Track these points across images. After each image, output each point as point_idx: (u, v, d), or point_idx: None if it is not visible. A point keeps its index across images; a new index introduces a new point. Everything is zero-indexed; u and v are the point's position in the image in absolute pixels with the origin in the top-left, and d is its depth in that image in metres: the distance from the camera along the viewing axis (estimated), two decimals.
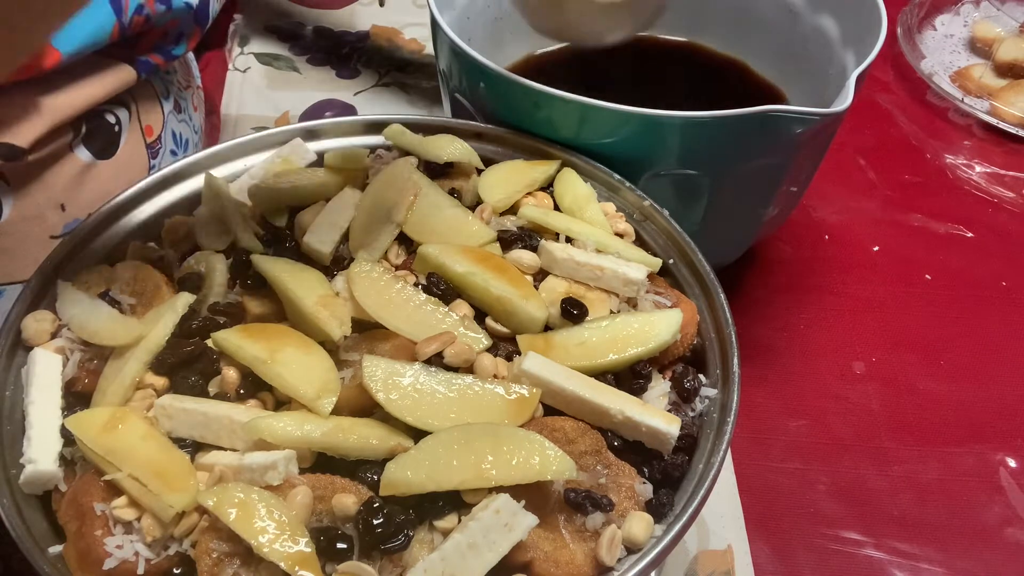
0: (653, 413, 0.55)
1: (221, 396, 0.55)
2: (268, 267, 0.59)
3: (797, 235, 0.97)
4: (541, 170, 0.70)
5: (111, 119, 0.78)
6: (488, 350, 0.57)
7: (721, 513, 0.73)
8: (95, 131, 0.76)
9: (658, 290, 0.62)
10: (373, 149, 0.72)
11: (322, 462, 0.52)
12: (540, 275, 0.63)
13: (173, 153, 0.87)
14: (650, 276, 0.63)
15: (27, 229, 0.74)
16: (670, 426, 0.54)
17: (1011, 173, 1.06)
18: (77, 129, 0.75)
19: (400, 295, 0.58)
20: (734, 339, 0.60)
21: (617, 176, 0.70)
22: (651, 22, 0.76)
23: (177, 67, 0.91)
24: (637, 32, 0.75)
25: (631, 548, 0.51)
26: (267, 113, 1.07)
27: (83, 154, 0.76)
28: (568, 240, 0.64)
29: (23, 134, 0.69)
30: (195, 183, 0.70)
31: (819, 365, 0.86)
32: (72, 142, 0.75)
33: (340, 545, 0.48)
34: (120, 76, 0.77)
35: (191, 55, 1.03)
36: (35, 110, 0.70)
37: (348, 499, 0.49)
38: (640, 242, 0.67)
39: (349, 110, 1.08)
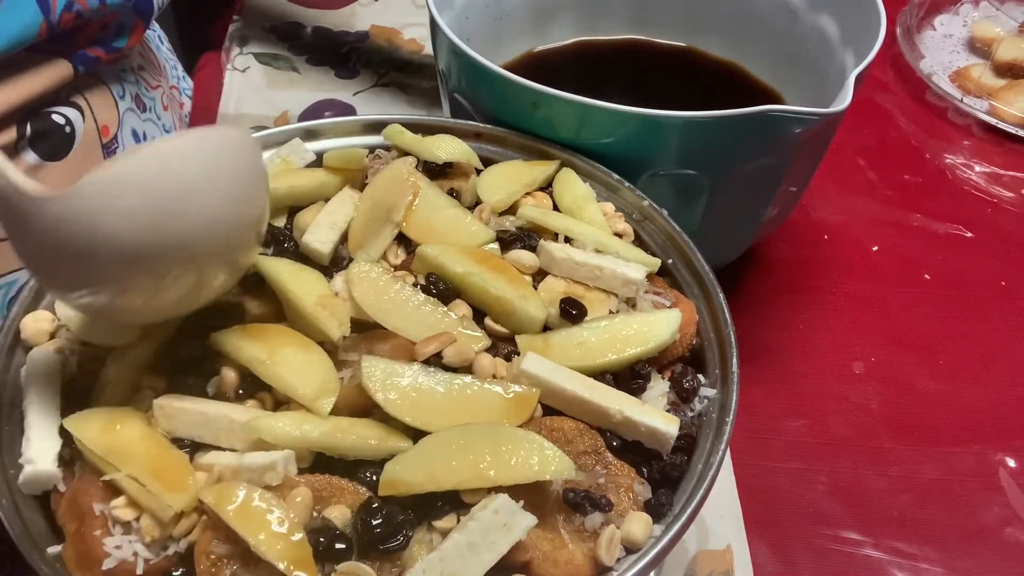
0: (652, 413, 0.55)
1: (220, 396, 0.55)
2: (267, 267, 0.59)
3: (797, 235, 0.97)
4: (540, 170, 0.70)
5: (60, 120, 0.76)
6: (487, 350, 0.57)
7: (720, 513, 0.73)
8: (43, 133, 0.75)
9: (657, 290, 0.62)
10: (372, 149, 0.72)
11: (321, 462, 0.52)
12: (539, 275, 0.63)
13: None
14: (649, 276, 0.63)
15: None
16: (669, 426, 0.54)
17: (1010, 173, 1.06)
18: (21, 131, 0.73)
19: (399, 295, 0.58)
20: (733, 339, 0.60)
21: (616, 176, 0.70)
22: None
23: (142, 64, 0.90)
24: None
25: (630, 548, 0.51)
26: (266, 113, 1.07)
27: (30, 156, 0.75)
28: (567, 240, 0.64)
29: None
30: None
31: (818, 365, 0.86)
32: (17, 144, 0.74)
33: (339, 545, 0.48)
34: (56, 71, 0.75)
35: (167, 54, 1.03)
36: None
37: (337, 510, 0.49)
38: (639, 242, 0.67)
39: (348, 110, 1.08)
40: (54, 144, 0.76)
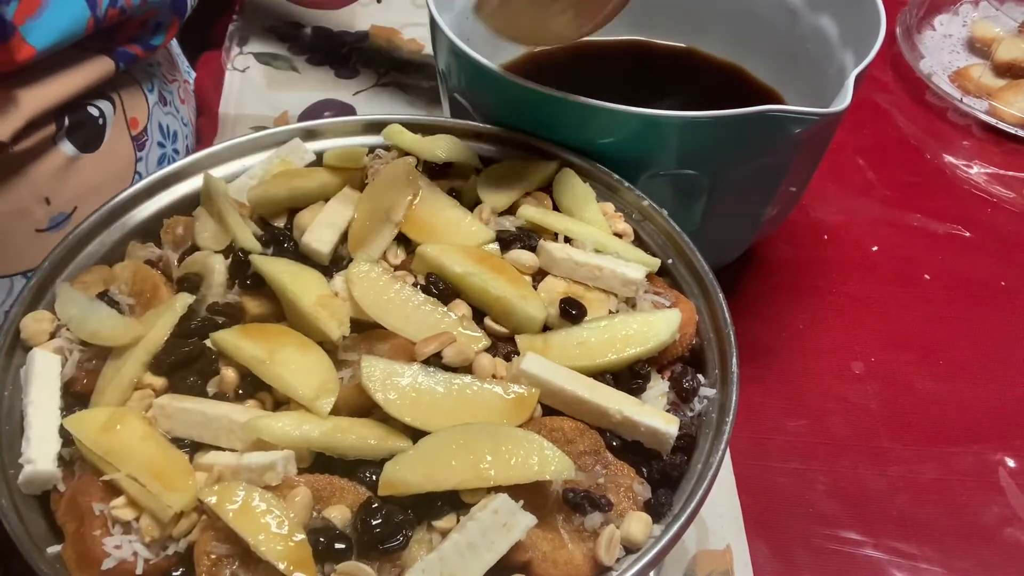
0: (652, 413, 0.55)
1: (220, 396, 0.55)
2: (267, 267, 0.59)
3: (796, 235, 0.97)
4: (540, 170, 0.70)
5: (94, 112, 0.78)
6: (487, 350, 0.57)
7: (720, 513, 0.73)
8: (79, 124, 0.77)
9: (657, 290, 0.62)
10: (372, 149, 0.72)
11: (321, 462, 0.52)
12: (539, 275, 0.63)
13: (160, 145, 0.87)
14: (649, 276, 0.63)
15: (11, 223, 0.74)
16: (669, 426, 0.54)
17: (1010, 173, 1.06)
18: (60, 123, 0.75)
19: (399, 295, 0.58)
20: (733, 339, 0.60)
21: (616, 176, 0.70)
22: (608, 18, 0.69)
23: (160, 60, 0.91)
24: (594, 29, 0.70)
25: (630, 548, 0.51)
26: (266, 113, 1.07)
27: (67, 147, 0.76)
28: (567, 240, 0.64)
29: (1, 127, 0.69)
30: (194, 183, 0.70)
31: (818, 365, 0.86)
32: (55, 136, 0.75)
33: (339, 545, 0.48)
34: (99, 67, 0.77)
35: (177, 50, 1.04)
36: (12, 103, 0.70)
37: (337, 510, 0.49)
38: (639, 242, 0.67)
39: (348, 110, 1.08)
40: (88, 135, 0.78)
